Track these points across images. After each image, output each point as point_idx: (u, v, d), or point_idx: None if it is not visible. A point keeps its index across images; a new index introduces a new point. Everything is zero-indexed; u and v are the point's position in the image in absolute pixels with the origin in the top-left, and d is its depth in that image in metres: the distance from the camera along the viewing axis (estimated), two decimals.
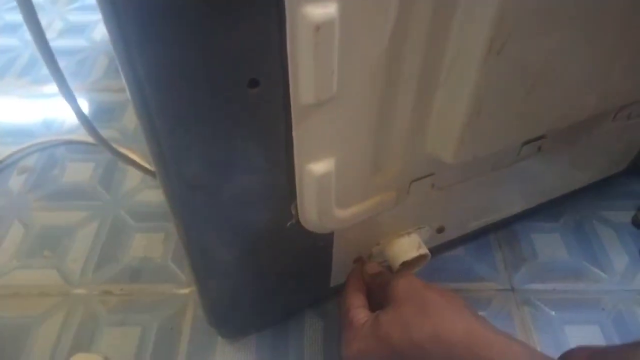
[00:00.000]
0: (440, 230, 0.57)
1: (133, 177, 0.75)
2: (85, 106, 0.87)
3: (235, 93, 0.31)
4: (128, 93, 0.30)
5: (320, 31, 0.27)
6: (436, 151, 0.40)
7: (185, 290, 0.63)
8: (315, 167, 0.37)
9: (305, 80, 0.30)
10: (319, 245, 0.49)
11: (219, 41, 0.28)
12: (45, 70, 0.39)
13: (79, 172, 0.76)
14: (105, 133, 0.82)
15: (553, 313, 0.60)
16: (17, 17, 1.04)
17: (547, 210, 0.69)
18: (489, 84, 0.34)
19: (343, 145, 0.37)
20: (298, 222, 0.42)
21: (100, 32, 1.03)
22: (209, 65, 0.29)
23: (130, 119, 0.84)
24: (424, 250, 0.52)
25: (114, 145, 0.77)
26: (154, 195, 0.73)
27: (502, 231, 0.68)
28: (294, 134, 0.34)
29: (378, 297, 0.49)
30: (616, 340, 0.58)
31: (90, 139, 0.58)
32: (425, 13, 0.30)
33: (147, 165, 0.58)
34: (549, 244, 0.67)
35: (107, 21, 0.26)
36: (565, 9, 0.33)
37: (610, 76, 0.40)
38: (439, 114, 0.37)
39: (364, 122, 0.36)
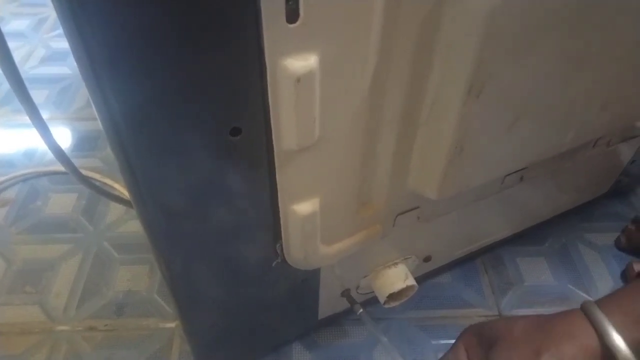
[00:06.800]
0: (427, 259, 0.57)
1: (117, 207, 0.74)
2: (68, 135, 0.86)
3: (216, 140, 0.31)
4: (100, 124, 0.30)
5: (301, 82, 0.27)
6: (420, 188, 0.40)
7: (172, 324, 0.62)
8: (300, 208, 0.37)
9: (287, 128, 0.30)
10: (306, 280, 0.48)
11: (200, 91, 0.28)
12: None
13: (62, 203, 0.75)
14: (88, 162, 0.82)
15: None
16: None
17: (532, 233, 0.70)
18: (469, 124, 0.35)
19: (327, 186, 0.37)
20: (284, 260, 0.42)
21: None
22: (190, 115, 0.29)
23: None
24: (411, 282, 0.52)
25: (93, 176, 0.77)
26: (138, 226, 0.72)
27: (488, 255, 0.69)
28: (277, 177, 0.34)
29: None
30: None
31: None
32: (405, 61, 0.30)
33: (127, 197, 0.57)
34: (535, 267, 0.67)
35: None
36: (544, 48, 0.34)
37: (588, 111, 0.41)
38: (422, 153, 0.38)
39: (347, 164, 0.36)
